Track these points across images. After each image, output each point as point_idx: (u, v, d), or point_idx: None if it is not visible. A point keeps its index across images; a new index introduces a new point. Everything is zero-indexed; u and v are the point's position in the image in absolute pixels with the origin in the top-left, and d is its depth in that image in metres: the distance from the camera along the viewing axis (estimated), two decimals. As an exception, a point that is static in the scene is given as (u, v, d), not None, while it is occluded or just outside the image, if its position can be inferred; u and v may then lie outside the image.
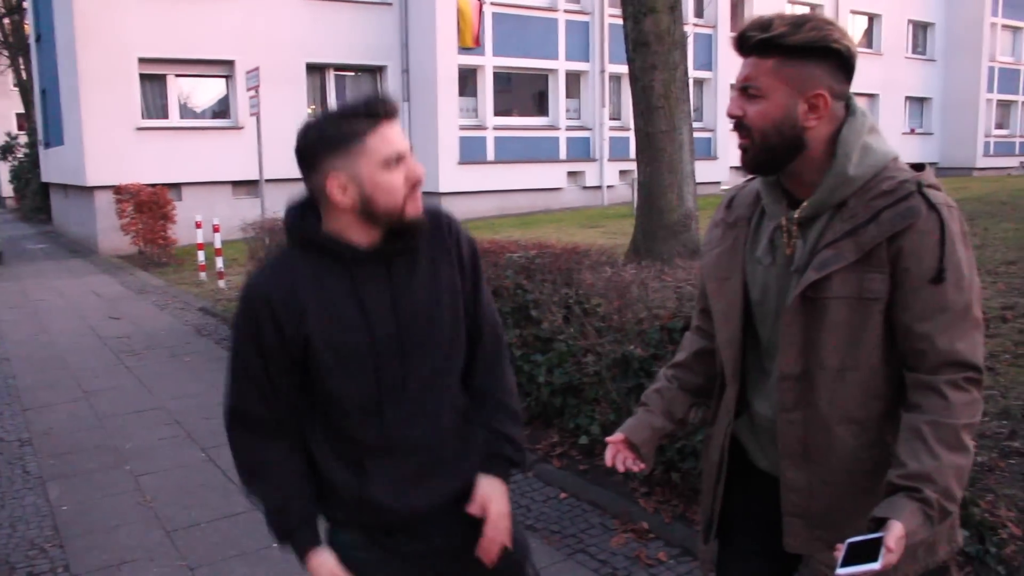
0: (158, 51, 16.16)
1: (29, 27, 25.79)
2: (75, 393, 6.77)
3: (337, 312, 1.79)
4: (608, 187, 21.02)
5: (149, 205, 14.38)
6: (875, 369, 1.71)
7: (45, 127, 21.77)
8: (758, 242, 1.86)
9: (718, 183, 21.73)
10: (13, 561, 3.93)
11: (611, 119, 21.16)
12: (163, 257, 14.74)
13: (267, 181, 13.56)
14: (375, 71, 19.11)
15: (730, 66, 21.45)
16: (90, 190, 16.34)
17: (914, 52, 30.00)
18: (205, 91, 17.60)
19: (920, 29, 30.26)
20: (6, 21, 31.92)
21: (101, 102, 15.69)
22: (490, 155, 19.43)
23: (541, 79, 20.46)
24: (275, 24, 17.21)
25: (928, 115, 30.66)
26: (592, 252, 5.22)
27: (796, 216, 1.76)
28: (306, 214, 1.84)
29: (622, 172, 20.73)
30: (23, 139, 29.13)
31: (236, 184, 17.19)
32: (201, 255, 12.86)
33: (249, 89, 13.35)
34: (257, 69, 13.09)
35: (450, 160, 18.53)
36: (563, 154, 20.50)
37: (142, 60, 16.11)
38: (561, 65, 20.22)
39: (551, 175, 20.27)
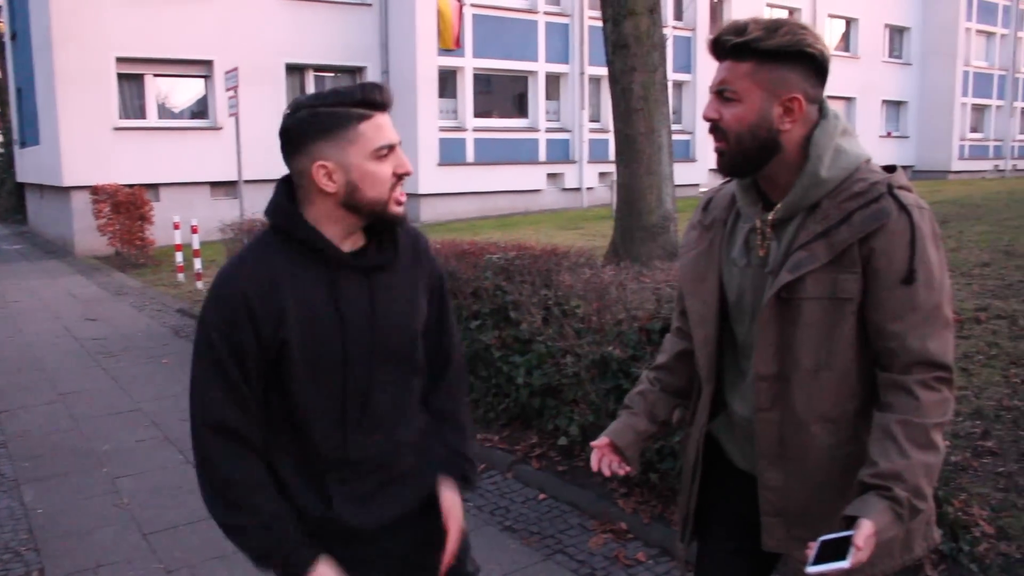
0: (136, 50, 16.05)
1: (4, 25, 25.49)
2: (51, 395, 6.70)
3: (315, 316, 1.73)
4: (587, 189, 21.07)
5: (126, 206, 14.25)
6: (850, 368, 1.73)
7: (20, 126, 21.54)
8: (734, 244, 1.88)
9: (697, 185, 21.83)
10: (-12, 564, 3.90)
11: (591, 121, 21.20)
12: (140, 258, 14.63)
13: (246, 182, 13.51)
14: (355, 72, 19.05)
15: (709, 69, 21.30)
16: (67, 190, 16.19)
17: (890, 56, 30.26)
18: (183, 91, 17.49)
19: (896, 33, 30.53)
20: (-19, 19, 31.57)
21: (78, 101, 15.55)
22: (470, 157, 19.43)
23: (521, 81, 20.49)
24: (254, 24, 17.14)
25: (904, 118, 30.94)
26: (571, 254, 5.24)
27: (770, 218, 1.78)
28: (281, 199, 1.77)
29: (602, 174, 20.76)
30: (-2, 138, 28.87)
31: (215, 185, 17.10)
32: (179, 256, 12.76)
33: (228, 89, 13.28)
34: (236, 69, 13.03)
35: (430, 162, 18.51)
36: (543, 156, 20.54)
37: (120, 59, 15.99)
38: (541, 67, 20.25)
39: (531, 177, 20.28)
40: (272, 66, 17.44)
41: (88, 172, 15.67)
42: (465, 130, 19.32)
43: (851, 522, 1.56)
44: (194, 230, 12.15)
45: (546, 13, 20.20)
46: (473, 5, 18.90)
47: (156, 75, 16.84)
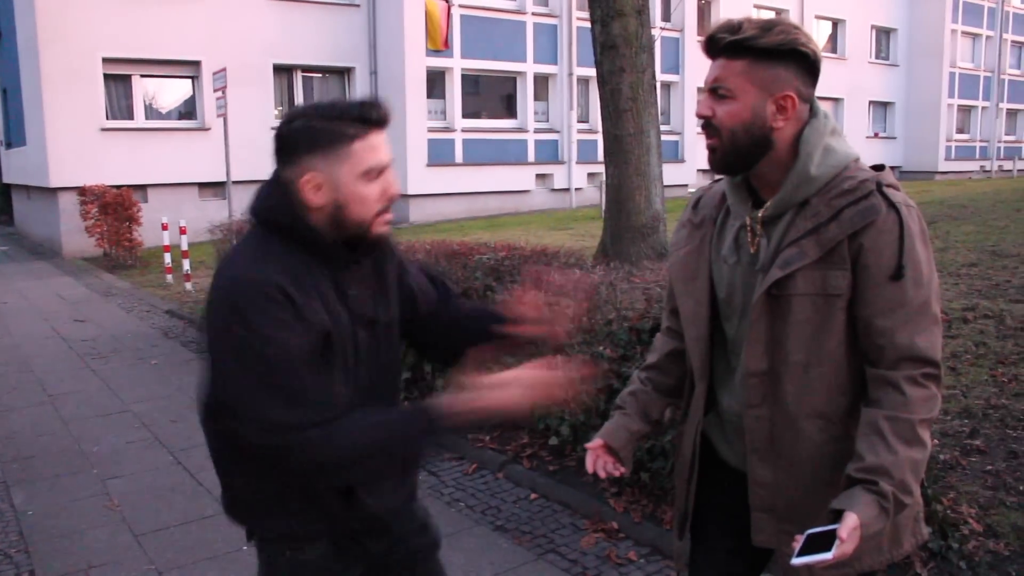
0: (123, 51, 15.98)
1: (-10, 26, 25.34)
2: (39, 397, 6.67)
3: (333, 312, 1.71)
4: (576, 189, 21.11)
5: (114, 207, 14.18)
6: (839, 364, 1.75)
7: (7, 127, 21.40)
8: (723, 241, 1.89)
9: (685, 186, 21.89)
10: (-23, 567, 3.88)
11: (579, 122, 21.25)
12: (129, 259, 14.57)
13: (234, 183, 13.45)
14: (343, 72, 19.04)
15: (697, 69, 21.64)
16: (54, 191, 16.10)
17: (877, 57, 30.42)
18: (171, 92, 17.41)
19: (883, 35, 30.69)
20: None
21: (65, 102, 15.47)
22: (458, 157, 19.44)
23: (509, 82, 20.51)
24: (242, 25, 17.09)
25: (891, 119, 31.11)
26: (561, 254, 5.26)
27: (760, 215, 1.80)
28: (279, 199, 1.72)
29: (590, 174, 20.81)
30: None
31: (203, 186, 17.04)
32: (168, 257, 12.70)
33: (216, 90, 13.24)
34: (224, 70, 12.99)
35: (418, 162, 18.51)
36: (531, 156, 20.56)
37: (106, 60, 15.91)
38: (529, 68, 20.28)
39: (519, 177, 20.30)
40: (260, 66, 17.39)
41: (75, 173, 15.59)
42: (453, 131, 19.33)
43: (838, 516, 1.58)
44: (182, 231, 12.11)
45: (534, 14, 20.23)
46: (461, 6, 18.90)
47: (143, 76, 16.76)
